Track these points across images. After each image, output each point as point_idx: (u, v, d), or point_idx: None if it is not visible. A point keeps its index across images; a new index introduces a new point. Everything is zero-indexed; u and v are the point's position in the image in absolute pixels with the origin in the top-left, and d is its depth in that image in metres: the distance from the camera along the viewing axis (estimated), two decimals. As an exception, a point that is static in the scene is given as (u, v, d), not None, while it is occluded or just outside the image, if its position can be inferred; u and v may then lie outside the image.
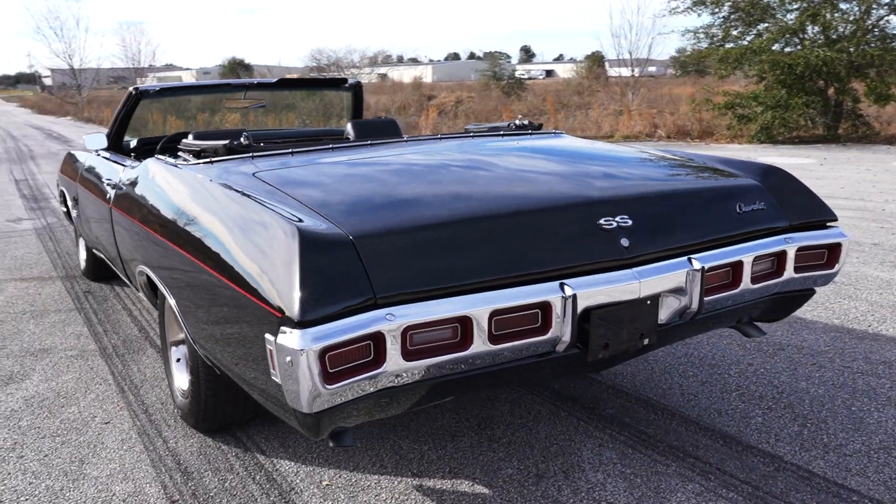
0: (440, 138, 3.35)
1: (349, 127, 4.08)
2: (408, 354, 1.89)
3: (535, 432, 2.87)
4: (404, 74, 54.11)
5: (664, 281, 2.27)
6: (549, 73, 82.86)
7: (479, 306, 1.95)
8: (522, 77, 39.79)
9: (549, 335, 2.08)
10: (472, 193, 2.39)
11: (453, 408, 3.09)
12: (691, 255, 2.34)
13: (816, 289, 2.80)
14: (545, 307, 2.05)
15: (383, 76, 53.40)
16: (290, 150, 2.91)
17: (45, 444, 2.89)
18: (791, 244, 2.57)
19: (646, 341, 2.31)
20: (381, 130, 4.07)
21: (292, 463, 2.70)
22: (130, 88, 4.29)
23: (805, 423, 2.91)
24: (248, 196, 2.28)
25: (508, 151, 3.05)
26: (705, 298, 2.38)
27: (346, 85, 4.99)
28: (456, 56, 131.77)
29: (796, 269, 2.62)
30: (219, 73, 58.24)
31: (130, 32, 69.50)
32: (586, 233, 2.21)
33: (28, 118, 35.60)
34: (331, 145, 3.06)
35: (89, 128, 25.42)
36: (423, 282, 1.94)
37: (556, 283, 2.08)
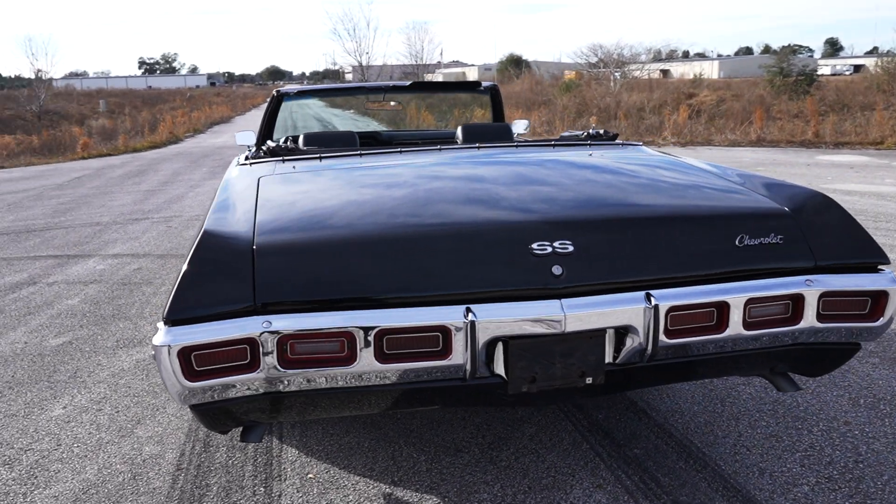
0: (478, 148, 3.27)
1: (459, 131, 4.12)
2: (286, 363, 1.93)
3: (541, 460, 2.73)
4: (688, 70, 51.88)
5: (602, 317, 2.03)
6: (858, 69, 74.04)
7: (362, 322, 1.92)
8: (815, 73, 35.95)
9: (450, 361, 1.98)
10: (412, 211, 2.33)
11: (478, 422, 3.03)
12: (651, 291, 2.07)
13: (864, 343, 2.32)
14: (445, 331, 1.96)
15: (665, 72, 51.59)
16: (319, 156, 3.03)
17: (123, 402, 3.34)
18: (812, 288, 2.16)
19: (589, 380, 2.09)
20: (491, 135, 4.06)
21: (297, 452, 2.84)
22: (274, 91, 4.74)
23: (863, 503, 2.43)
24: (223, 198, 2.46)
25: (518, 165, 2.91)
26: (672, 341, 2.10)
27: (482, 88, 4.99)
28: (748, 50, 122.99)
29: (822, 318, 2.20)
30: (496, 69, 60.39)
31: (415, 32, 74.61)
32: (513, 257, 2.05)
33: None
34: (359, 151, 3.13)
35: (367, 121, 27.92)
36: (320, 294, 1.96)
37: (460, 308, 1.97)
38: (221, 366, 1.90)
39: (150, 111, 33.45)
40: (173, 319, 1.88)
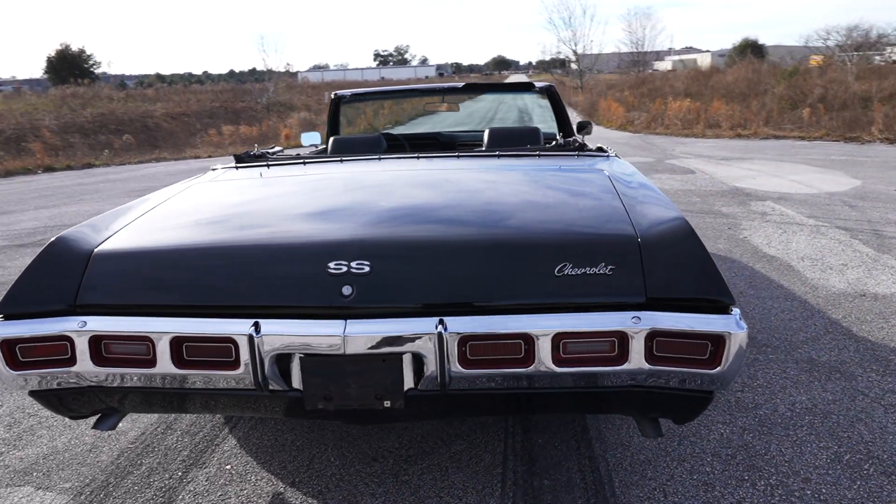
0: (417, 158, 3.30)
1: (486, 134, 4.10)
2: (99, 360, 2.11)
3: (444, 479, 2.69)
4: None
5: (387, 341, 2.00)
6: None
7: (159, 328, 2.06)
8: None
9: (240, 371, 2.06)
10: (242, 224, 2.42)
11: (414, 435, 3.03)
12: (445, 318, 2.00)
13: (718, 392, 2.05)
14: (235, 343, 2.04)
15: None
16: (267, 163, 3.18)
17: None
18: (638, 326, 1.97)
19: (387, 404, 2.07)
20: (517, 138, 4.00)
21: (235, 444, 3.04)
22: (332, 94, 4.98)
23: (746, 572, 2.15)
24: (139, 200, 2.73)
25: (416, 176, 2.98)
26: (469, 371, 2.02)
27: (537, 89, 4.84)
28: None
29: (653, 360, 2.00)
30: (730, 53, 56.86)
31: (637, 18, 72.49)
32: (309, 275, 2.08)
33: (530, 101, 39.85)
34: (304, 160, 3.23)
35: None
36: (134, 300, 2.12)
37: (250, 321, 2.04)
38: (43, 359, 2.13)
39: (366, 102, 35.56)
40: (4, 313, 2.13)
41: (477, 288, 2.06)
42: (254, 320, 2.04)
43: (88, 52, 60.07)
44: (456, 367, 2.01)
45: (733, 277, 5.13)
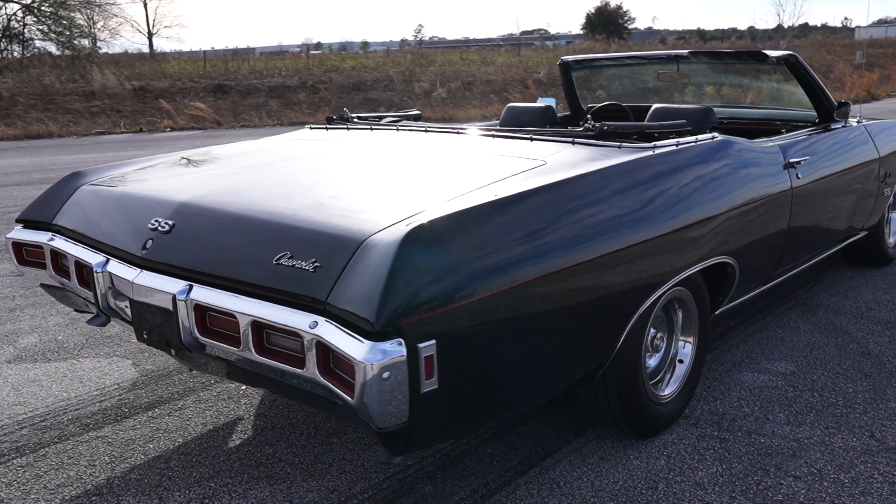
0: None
1: (649, 112, 3.64)
2: (56, 269, 2.69)
3: (363, 453, 2.64)
4: None
5: (152, 295, 2.16)
6: None
7: (70, 252, 2.56)
8: None
9: (90, 293, 2.45)
10: (164, 177, 2.79)
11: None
12: (195, 284, 2.08)
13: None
14: (91, 271, 2.41)
15: None
16: (328, 126, 3.43)
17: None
18: (311, 331, 1.77)
19: (173, 352, 2.23)
20: (678, 116, 3.49)
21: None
22: (559, 60, 4.84)
23: None
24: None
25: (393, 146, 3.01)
26: (207, 340, 2.07)
27: (773, 59, 3.80)
28: None
29: (323, 372, 1.79)
30: None
31: None
32: (136, 227, 2.34)
33: None
34: (331, 127, 3.42)
35: None
36: (75, 227, 2.65)
37: (103, 257, 2.39)
38: (34, 260, 2.78)
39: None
40: (18, 219, 2.82)
41: (220, 262, 2.10)
42: (106, 257, 2.41)
43: (625, 9, 63.35)
44: (195, 333, 2.10)
45: None
